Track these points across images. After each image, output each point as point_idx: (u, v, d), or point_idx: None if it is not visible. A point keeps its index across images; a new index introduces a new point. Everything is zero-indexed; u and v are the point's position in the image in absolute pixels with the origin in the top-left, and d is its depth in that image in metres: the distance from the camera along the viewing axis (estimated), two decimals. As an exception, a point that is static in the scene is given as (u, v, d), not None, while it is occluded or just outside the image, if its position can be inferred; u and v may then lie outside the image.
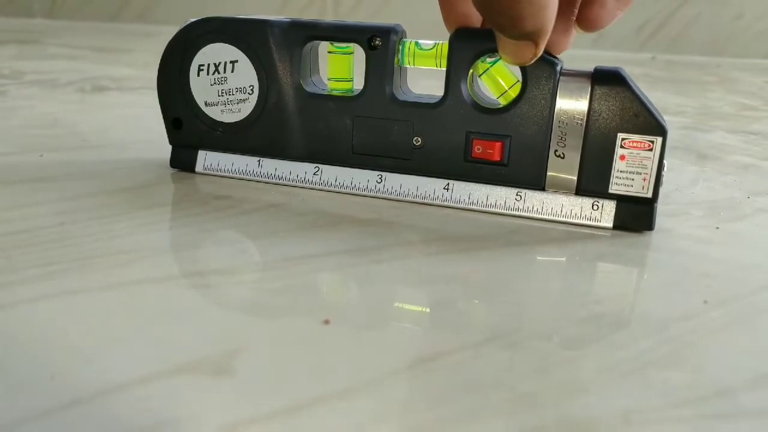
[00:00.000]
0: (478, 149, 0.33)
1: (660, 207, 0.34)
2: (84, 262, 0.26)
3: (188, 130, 0.37)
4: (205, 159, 0.37)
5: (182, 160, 0.38)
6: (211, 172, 0.37)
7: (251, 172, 0.36)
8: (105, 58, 0.87)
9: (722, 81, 0.88)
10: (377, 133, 0.34)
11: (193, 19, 0.35)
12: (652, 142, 0.30)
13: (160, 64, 0.36)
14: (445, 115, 0.33)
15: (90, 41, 1.03)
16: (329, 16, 1.20)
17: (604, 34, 1.16)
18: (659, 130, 0.30)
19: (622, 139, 0.30)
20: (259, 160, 0.36)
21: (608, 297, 0.25)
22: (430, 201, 0.34)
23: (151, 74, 0.75)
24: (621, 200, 0.31)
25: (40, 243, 0.28)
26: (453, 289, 0.25)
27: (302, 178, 0.35)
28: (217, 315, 0.23)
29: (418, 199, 0.34)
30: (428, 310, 0.24)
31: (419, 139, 0.33)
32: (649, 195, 0.31)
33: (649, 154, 0.30)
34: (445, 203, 0.34)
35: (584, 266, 0.28)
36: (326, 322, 0.22)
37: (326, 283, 0.26)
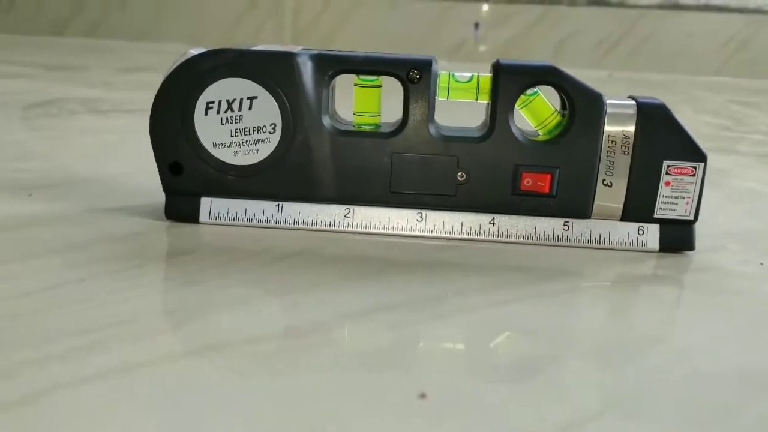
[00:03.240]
0: (528, 182, 0.31)
1: (697, 241, 0.33)
2: (121, 328, 0.23)
3: (191, 176, 0.32)
4: (211, 207, 0.33)
5: (181, 210, 0.33)
6: (220, 222, 0.33)
7: (270, 218, 0.33)
8: (60, 76, 0.82)
9: (687, 100, 0.90)
10: (419, 170, 0.32)
11: (195, 51, 0.32)
12: (695, 167, 0.31)
13: (156, 103, 0.32)
14: (493, 148, 0.31)
15: (37, 57, 0.97)
16: (287, 33, 1.17)
17: (561, 51, 1.17)
18: (701, 156, 0.31)
19: (668, 167, 0.31)
20: (278, 205, 0.33)
21: (696, 351, 0.24)
22: (475, 237, 0.32)
23: (116, 95, 0.71)
24: (664, 223, 0.32)
25: (63, 305, 0.25)
26: (537, 347, 0.24)
27: (331, 222, 0.33)
28: (294, 392, 0.20)
29: (463, 236, 0.32)
30: (524, 373, 0.22)
31: (464, 174, 0.32)
32: (692, 217, 0.32)
33: (692, 179, 0.31)
34: (492, 239, 0.32)
35: (654, 313, 0.27)
36: (423, 396, 0.20)
37: (402, 345, 0.24)
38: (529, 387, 0.21)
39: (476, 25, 1.18)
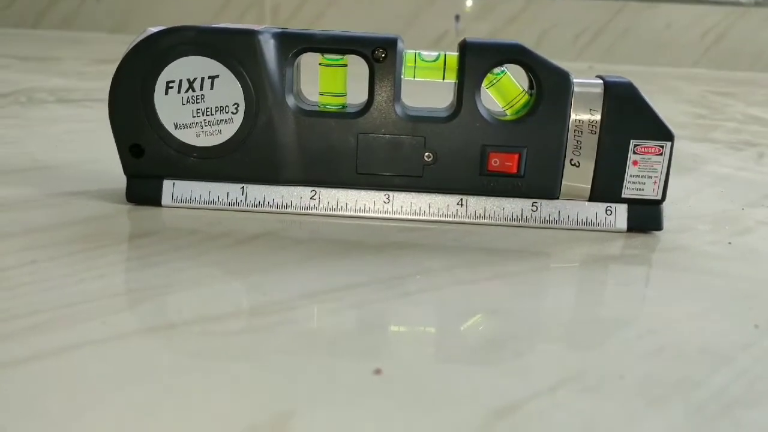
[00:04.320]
0: (495, 162, 0.31)
1: (666, 222, 0.33)
2: (74, 308, 0.22)
3: (151, 158, 0.31)
4: (174, 190, 0.32)
5: (143, 193, 0.32)
6: (183, 205, 0.32)
7: (234, 201, 0.32)
8: (33, 67, 0.81)
9: (665, 90, 0.90)
10: (385, 150, 0.31)
11: (154, 29, 0.31)
12: (662, 146, 0.31)
13: (114, 82, 0.31)
14: (460, 128, 0.31)
15: (11, 49, 0.95)
16: (267, 24, 1.16)
17: (542, 43, 1.17)
18: (668, 135, 0.31)
19: (635, 145, 0.31)
20: (242, 187, 0.32)
21: (660, 328, 0.24)
22: (444, 219, 0.32)
23: (88, 84, 0.69)
24: (632, 203, 0.32)
25: (17, 287, 0.24)
26: (500, 324, 0.23)
27: (297, 204, 0.32)
28: (251, 370, 0.20)
29: (431, 218, 0.32)
30: (484, 350, 0.22)
31: (431, 154, 0.31)
32: (659, 197, 0.32)
33: (660, 158, 0.31)
34: (460, 220, 0.32)
35: (621, 291, 0.27)
36: (377, 372, 0.20)
37: (361, 323, 0.23)
38: (489, 364, 0.21)
39: (457, 18, 1.18)
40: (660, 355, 0.21)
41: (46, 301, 0.23)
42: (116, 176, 0.35)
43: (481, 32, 1.17)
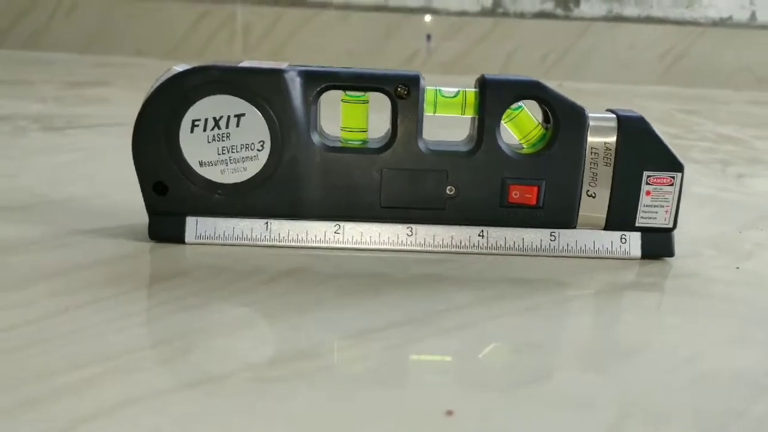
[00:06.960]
0: (515, 194, 0.32)
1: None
2: (119, 361, 0.22)
3: (176, 196, 0.32)
4: (197, 226, 0.32)
5: (166, 231, 0.32)
6: (206, 241, 0.32)
7: (259, 236, 0.32)
8: (5, 91, 0.79)
9: (634, 109, 0.93)
10: (408, 184, 0.32)
11: (178, 68, 0.31)
12: (673, 177, 0.33)
13: (138, 120, 0.31)
14: (481, 162, 0.32)
15: (-23, 71, 0.93)
16: (238, 46, 1.16)
17: (510, 61, 1.20)
18: (678, 166, 0.33)
19: (648, 177, 0.32)
20: (266, 223, 0.32)
21: (694, 355, 0.25)
22: (465, 250, 0.33)
23: (68, 110, 0.68)
24: (645, 231, 0.33)
25: (55, 338, 0.23)
26: (543, 359, 0.24)
27: (321, 238, 0.32)
28: (316, 414, 0.20)
29: (453, 249, 0.33)
30: (533, 384, 0.22)
31: (453, 188, 0.32)
32: (671, 225, 0.33)
33: (671, 188, 0.33)
34: (482, 251, 0.33)
35: (651, 321, 0.28)
36: (449, 413, 0.20)
37: (417, 363, 0.23)
38: (536, 397, 0.21)
39: (428, 37, 1.20)
40: (698, 385, 0.22)
41: (89, 353, 0.22)
42: (128, 211, 0.35)
43: (450, 52, 1.19)
